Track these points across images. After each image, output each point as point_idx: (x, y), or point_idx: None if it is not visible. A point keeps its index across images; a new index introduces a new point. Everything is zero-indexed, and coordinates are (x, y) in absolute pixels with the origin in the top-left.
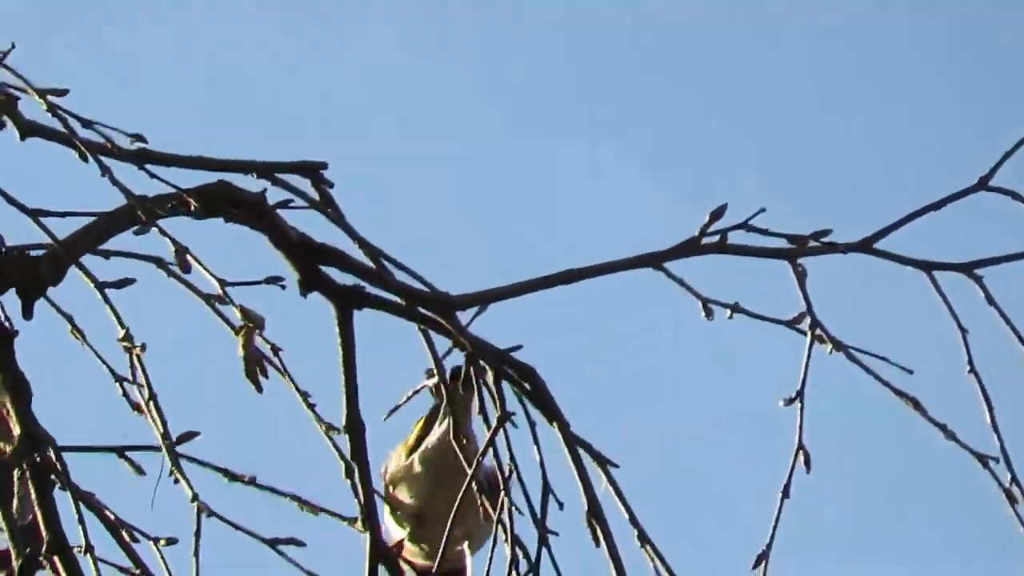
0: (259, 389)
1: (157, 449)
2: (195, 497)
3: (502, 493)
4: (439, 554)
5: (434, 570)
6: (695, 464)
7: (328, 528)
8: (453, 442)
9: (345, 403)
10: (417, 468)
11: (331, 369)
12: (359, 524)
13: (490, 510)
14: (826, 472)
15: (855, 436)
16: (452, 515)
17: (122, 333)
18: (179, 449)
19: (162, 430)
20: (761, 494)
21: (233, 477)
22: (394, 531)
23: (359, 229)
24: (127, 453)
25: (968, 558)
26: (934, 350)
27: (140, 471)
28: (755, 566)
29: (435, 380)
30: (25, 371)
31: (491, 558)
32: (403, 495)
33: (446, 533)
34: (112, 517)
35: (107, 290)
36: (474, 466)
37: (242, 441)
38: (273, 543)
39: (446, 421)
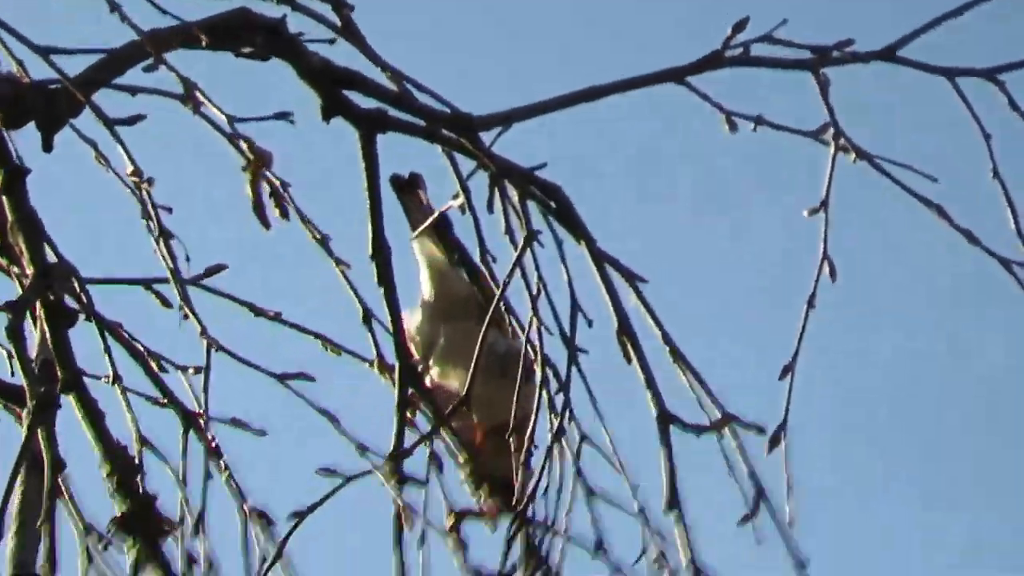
0: (266, 226)
1: (180, 282)
2: (204, 331)
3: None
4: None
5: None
6: (720, 278)
7: (340, 370)
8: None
9: (370, 227)
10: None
11: (355, 201)
12: (375, 367)
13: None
14: (851, 282)
15: (880, 245)
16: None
17: (130, 168)
18: (206, 282)
19: (172, 266)
20: (787, 305)
21: (258, 312)
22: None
23: (381, 52)
24: (153, 286)
25: (993, 362)
26: (958, 157)
27: (166, 303)
28: (781, 377)
29: (461, 200)
30: (45, 205)
31: (521, 377)
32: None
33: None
34: (139, 347)
35: (118, 127)
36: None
37: (259, 281)
38: (282, 378)
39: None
